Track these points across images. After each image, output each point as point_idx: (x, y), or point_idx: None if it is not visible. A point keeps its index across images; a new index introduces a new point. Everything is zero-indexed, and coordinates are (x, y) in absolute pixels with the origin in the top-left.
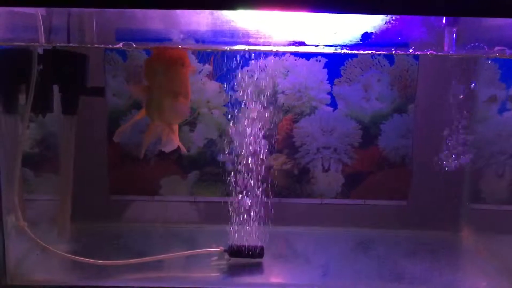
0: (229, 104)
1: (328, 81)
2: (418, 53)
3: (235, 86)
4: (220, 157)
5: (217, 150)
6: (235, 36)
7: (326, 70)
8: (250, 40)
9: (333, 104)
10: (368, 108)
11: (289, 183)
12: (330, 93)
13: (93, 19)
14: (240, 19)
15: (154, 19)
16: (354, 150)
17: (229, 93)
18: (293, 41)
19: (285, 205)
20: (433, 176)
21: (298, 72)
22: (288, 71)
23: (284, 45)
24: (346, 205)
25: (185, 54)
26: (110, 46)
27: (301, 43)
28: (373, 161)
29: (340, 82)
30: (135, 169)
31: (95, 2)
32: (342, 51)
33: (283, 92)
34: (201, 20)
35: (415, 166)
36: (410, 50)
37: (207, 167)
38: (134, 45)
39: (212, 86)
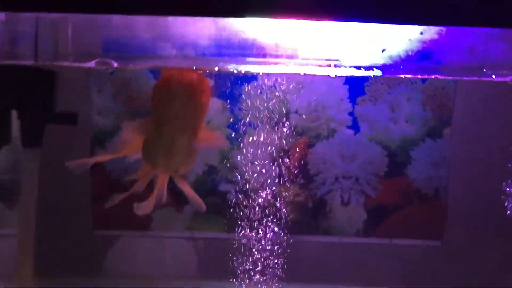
0: (233, 125)
1: (349, 100)
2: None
3: (241, 104)
4: (222, 187)
5: (218, 178)
6: (247, 50)
7: (347, 86)
8: (266, 57)
9: (355, 126)
10: (396, 132)
11: (303, 217)
12: (351, 113)
13: (68, 25)
14: (256, 32)
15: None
16: (378, 180)
17: (234, 112)
18: (322, 59)
19: (297, 244)
20: (473, 212)
21: (314, 88)
22: (302, 87)
23: (311, 65)
24: (369, 245)
25: (205, 78)
26: (78, 64)
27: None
28: (401, 193)
29: (363, 100)
30: (124, 199)
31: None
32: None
33: (296, 112)
34: (207, 32)
35: (451, 200)
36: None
37: (207, 198)
38: (115, 64)
39: (214, 103)
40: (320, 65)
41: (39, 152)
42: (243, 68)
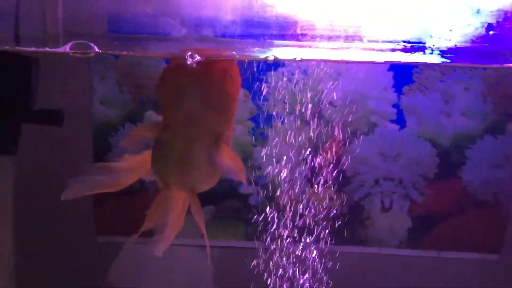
0: (257, 118)
1: (394, 89)
2: None
3: (265, 94)
4: (243, 189)
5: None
6: (275, 29)
7: (391, 73)
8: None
9: (400, 120)
10: (449, 127)
11: (336, 225)
12: (396, 105)
13: None
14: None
15: None
16: (427, 183)
17: (257, 103)
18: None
19: (329, 255)
20: None
21: (352, 76)
22: (338, 74)
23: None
24: (413, 258)
25: (234, 64)
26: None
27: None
28: (454, 199)
29: (411, 90)
30: (128, 203)
31: None
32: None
33: (330, 103)
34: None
35: None
36: None
37: (225, 202)
38: (95, 48)
39: None
40: (376, 49)
41: (13, 160)
42: (273, 53)
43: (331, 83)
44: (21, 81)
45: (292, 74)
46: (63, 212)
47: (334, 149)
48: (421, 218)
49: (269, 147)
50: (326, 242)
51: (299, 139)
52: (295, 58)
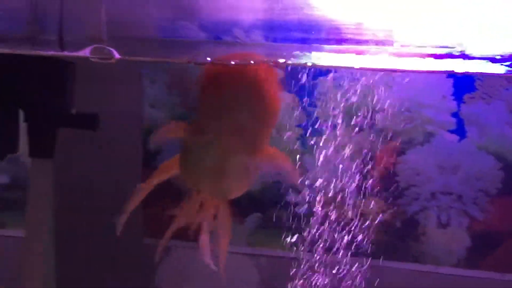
0: (306, 124)
1: (453, 97)
2: None
3: (315, 100)
4: (291, 197)
5: (287, 187)
6: (313, 33)
7: (451, 80)
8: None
9: (460, 130)
10: None
11: (388, 239)
12: (456, 114)
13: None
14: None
15: None
16: (489, 199)
17: (307, 108)
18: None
19: (380, 271)
20: None
21: (408, 82)
22: (392, 79)
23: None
24: (472, 279)
25: (274, 69)
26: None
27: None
28: None
29: (473, 98)
30: (176, 204)
31: None
32: None
33: (384, 110)
34: None
35: None
36: None
37: (272, 210)
38: (115, 55)
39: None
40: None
41: (50, 164)
42: (309, 60)
43: (383, 89)
44: (56, 85)
45: (344, 79)
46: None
47: (387, 160)
48: (482, 236)
49: (319, 155)
50: (376, 257)
51: (350, 147)
52: (341, 65)
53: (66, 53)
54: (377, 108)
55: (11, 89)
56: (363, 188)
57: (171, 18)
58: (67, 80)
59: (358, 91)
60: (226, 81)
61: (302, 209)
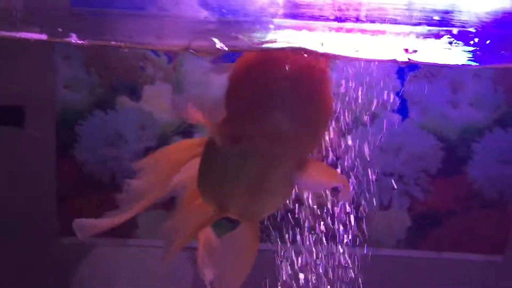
0: None
1: (397, 75)
2: None
3: None
4: None
5: None
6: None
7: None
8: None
9: (403, 110)
10: (456, 118)
11: (329, 224)
12: (399, 94)
13: None
14: None
15: None
16: (430, 179)
17: None
18: None
19: (320, 256)
20: None
21: (352, 61)
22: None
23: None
24: (412, 259)
25: (328, 61)
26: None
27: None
28: (458, 196)
29: (416, 77)
30: (99, 199)
31: None
32: None
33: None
34: None
35: None
36: None
37: None
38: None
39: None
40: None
41: None
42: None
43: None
44: None
45: None
46: (23, 211)
47: (328, 142)
48: (422, 216)
49: None
50: (315, 242)
51: None
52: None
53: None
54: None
55: None
56: None
57: None
58: None
59: None
60: (273, 76)
61: None
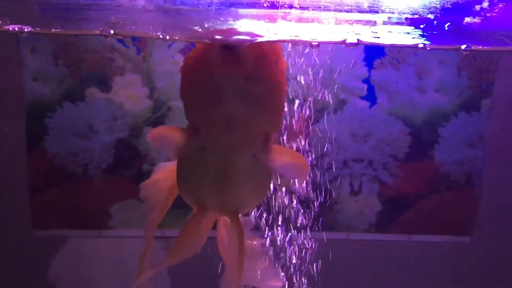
0: None
1: (365, 62)
2: None
3: None
4: None
5: None
6: None
7: (362, 46)
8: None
9: (371, 97)
10: (422, 104)
11: (301, 209)
12: (366, 81)
13: None
14: None
15: None
16: (398, 164)
17: None
18: None
19: (294, 242)
20: (510, 204)
21: (319, 48)
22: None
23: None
24: (382, 243)
25: (278, 44)
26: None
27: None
28: (426, 180)
29: (383, 64)
30: (72, 191)
31: None
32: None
33: (295, 78)
34: None
35: (485, 188)
36: None
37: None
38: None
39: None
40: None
41: None
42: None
43: (295, 57)
44: None
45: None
46: None
47: (299, 129)
48: (391, 201)
49: None
50: (290, 229)
51: None
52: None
53: None
54: (288, 77)
55: None
56: None
57: None
58: None
59: None
60: (219, 65)
61: None
